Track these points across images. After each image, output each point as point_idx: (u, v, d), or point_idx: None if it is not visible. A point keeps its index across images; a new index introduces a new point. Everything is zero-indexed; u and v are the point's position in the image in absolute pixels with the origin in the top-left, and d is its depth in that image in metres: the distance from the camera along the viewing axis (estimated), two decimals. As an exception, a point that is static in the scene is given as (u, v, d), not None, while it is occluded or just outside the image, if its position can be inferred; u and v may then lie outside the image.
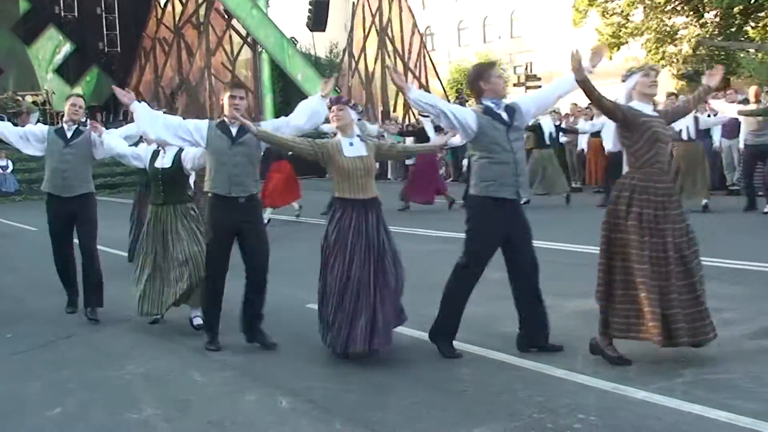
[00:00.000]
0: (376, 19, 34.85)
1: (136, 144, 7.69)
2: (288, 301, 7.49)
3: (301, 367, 5.69)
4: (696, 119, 12.93)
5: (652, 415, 4.42)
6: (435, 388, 5.10)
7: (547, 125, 15.52)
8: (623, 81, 5.59)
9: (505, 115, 5.65)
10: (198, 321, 6.78)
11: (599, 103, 5.42)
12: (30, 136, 7.48)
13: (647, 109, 5.47)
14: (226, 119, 6.13)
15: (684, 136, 13.06)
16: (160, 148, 6.86)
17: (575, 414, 4.47)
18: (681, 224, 5.31)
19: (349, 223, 5.70)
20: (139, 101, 6.48)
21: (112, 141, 7.31)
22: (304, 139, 5.93)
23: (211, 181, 6.12)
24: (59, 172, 7.39)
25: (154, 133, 6.27)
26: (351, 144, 5.85)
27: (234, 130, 6.07)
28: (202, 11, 32.51)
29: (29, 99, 27.95)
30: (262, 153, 6.35)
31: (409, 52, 35.80)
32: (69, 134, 7.45)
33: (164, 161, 6.81)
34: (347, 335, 5.57)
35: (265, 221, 7.34)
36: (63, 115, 7.71)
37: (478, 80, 5.75)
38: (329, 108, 6.01)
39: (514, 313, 5.82)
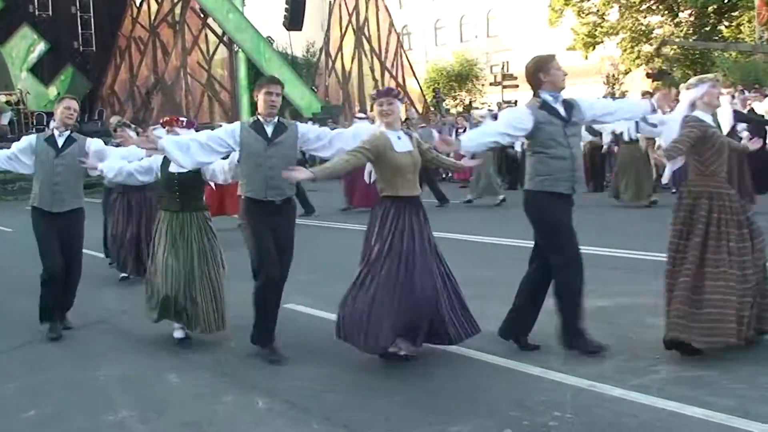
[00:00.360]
0: (353, 19, 34.84)
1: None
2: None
3: (279, 368, 5.67)
4: (636, 123, 13.31)
5: (627, 412, 4.46)
6: (413, 387, 5.11)
7: None
8: (688, 89, 5.64)
9: (562, 110, 5.62)
10: (179, 334, 6.46)
11: (683, 153, 5.50)
12: (19, 155, 6.83)
13: (708, 119, 5.52)
14: (260, 118, 5.84)
15: (626, 137, 13.79)
16: None
17: (551, 411, 4.50)
18: (750, 227, 5.41)
19: (405, 222, 5.46)
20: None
21: (114, 164, 6.73)
22: (357, 152, 5.47)
23: (246, 185, 5.84)
24: (50, 185, 6.71)
25: (192, 162, 5.81)
26: (399, 138, 5.61)
27: (270, 130, 5.80)
28: (177, 10, 32.35)
29: (2, 99, 27.66)
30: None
31: (386, 52, 35.85)
32: (60, 143, 6.77)
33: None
34: (412, 334, 5.42)
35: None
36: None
37: (538, 72, 5.65)
38: (374, 99, 5.69)
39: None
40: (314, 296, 7.55)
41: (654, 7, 34.71)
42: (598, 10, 35.28)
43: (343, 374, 5.45)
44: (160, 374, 5.73)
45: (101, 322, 7.32)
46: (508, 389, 4.94)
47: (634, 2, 34.17)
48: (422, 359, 5.61)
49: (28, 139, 6.95)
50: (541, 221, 5.66)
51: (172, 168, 6.29)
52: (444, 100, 37.18)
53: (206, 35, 32.71)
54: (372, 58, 35.20)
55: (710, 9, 33.02)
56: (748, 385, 4.76)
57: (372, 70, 35.26)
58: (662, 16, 35.14)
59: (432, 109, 31.97)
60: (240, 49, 31.73)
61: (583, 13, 35.51)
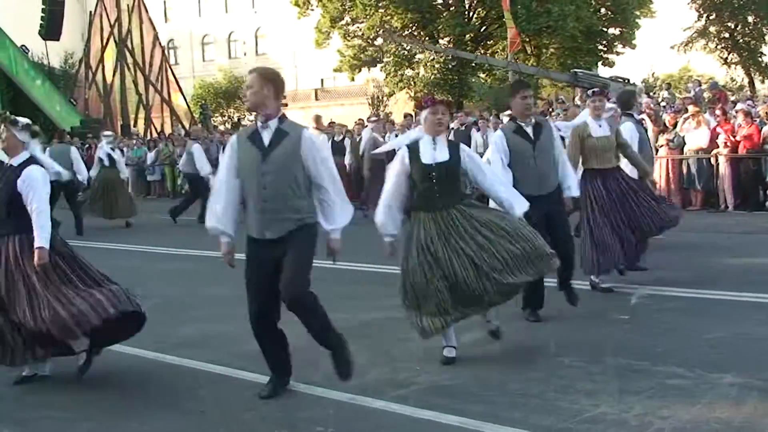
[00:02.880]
0: (115, 30, 33.67)
1: None
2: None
3: (29, 397, 5.30)
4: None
5: (387, 423, 4.56)
6: (173, 411, 4.94)
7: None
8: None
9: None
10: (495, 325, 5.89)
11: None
12: None
13: None
14: (518, 121, 6.45)
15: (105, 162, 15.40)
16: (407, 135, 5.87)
17: (314, 427, 4.52)
18: None
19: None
20: None
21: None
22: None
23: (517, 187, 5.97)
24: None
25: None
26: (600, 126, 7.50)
27: (530, 131, 6.42)
28: None
29: None
30: None
31: (151, 65, 34.89)
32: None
33: (438, 154, 5.47)
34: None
35: None
36: None
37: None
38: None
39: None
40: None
41: (416, 34, 36.24)
42: (363, 34, 36.30)
43: (98, 400, 5.17)
44: None
45: None
46: (272, 407, 4.89)
47: (397, 28, 35.50)
48: (182, 379, 5.46)
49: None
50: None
51: (427, 158, 5.50)
52: (211, 117, 36.69)
53: (-48, 42, 30.31)
54: (135, 71, 34.15)
55: (467, 37, 35.01)
56: (498, 392, 5.01)
57: (135, 83, 34.21)
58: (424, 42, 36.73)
59: (199, 125, 31.43)
60: (-9, 58, 29.65)
61: (348, 36, 36.39)
